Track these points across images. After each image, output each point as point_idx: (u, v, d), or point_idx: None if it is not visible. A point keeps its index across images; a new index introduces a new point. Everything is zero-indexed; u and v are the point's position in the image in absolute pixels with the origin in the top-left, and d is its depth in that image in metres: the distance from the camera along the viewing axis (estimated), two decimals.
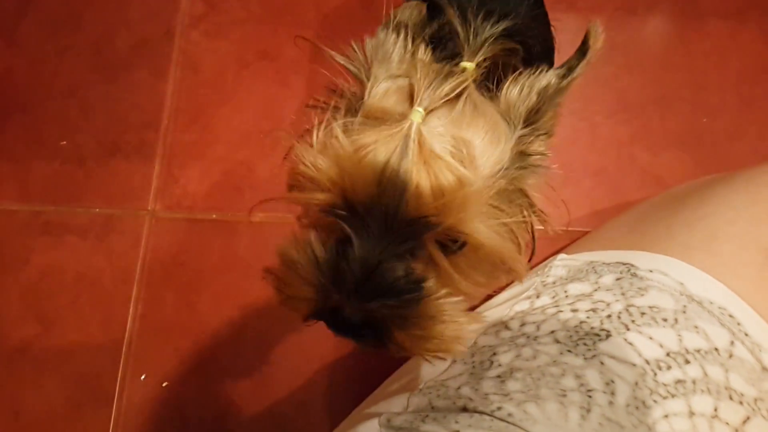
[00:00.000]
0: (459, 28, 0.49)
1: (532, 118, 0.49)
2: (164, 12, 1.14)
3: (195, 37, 1.13)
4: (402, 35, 0.49)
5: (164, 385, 0.94)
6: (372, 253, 0.43)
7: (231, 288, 0.98)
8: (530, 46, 0.59)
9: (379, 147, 0.42)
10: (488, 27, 0.49)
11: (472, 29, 0.49)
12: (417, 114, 0.43)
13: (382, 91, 0.47)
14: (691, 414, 0.56)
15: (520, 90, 0.48)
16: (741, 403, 0.57)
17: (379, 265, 0.43)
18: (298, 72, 1.08)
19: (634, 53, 1.12)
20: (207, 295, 0.98)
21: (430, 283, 0.46)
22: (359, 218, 0.44)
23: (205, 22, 1.13)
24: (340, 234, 0.45)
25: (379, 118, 0.45)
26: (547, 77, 0.48)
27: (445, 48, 0.51)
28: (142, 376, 0.95)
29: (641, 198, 1.00)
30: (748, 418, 0.56)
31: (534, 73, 0.49)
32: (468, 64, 0.48)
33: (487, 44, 0.49)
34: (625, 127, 1.06)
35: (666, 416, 0.56)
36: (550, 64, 0.59)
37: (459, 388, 0.60)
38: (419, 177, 0.42)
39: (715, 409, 0.57)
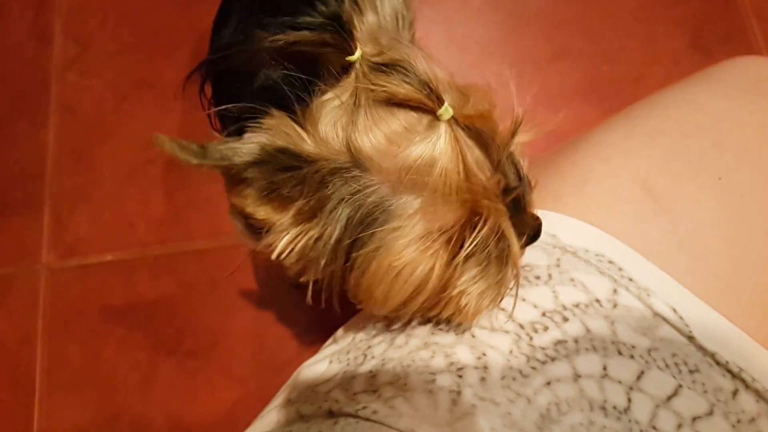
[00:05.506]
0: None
1: None
2: (38, 60, 1.11)
3: (70, 79, 1.09)
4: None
5: None
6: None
7: (135, 329, 0.93)
8: None
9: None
10: None
11: None
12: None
13: None
14: (577, 377, 0.51)
15: None
16: (632, 357, 0.51)
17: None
18: (177, 94, 1.03)
19: (523, 13, 1.07)
20: (112, 340, 0.93)
21: None
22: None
23: (79, 62, 1.10)
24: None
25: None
26: None
27: None
28: None
29: None
30: (642, 372, 0.50)
31: None
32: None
33: None
34: (523, 89, 1.01)
35: (548, 383, 0.51)
36: None
37: (329, 391, 0.55)
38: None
39: (604, 368, 0.51)
